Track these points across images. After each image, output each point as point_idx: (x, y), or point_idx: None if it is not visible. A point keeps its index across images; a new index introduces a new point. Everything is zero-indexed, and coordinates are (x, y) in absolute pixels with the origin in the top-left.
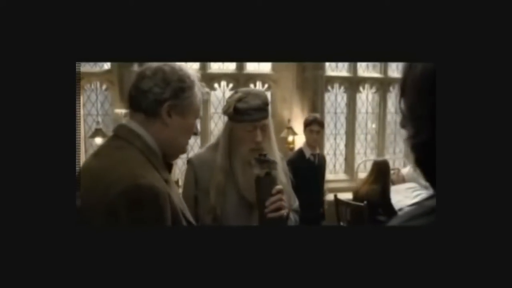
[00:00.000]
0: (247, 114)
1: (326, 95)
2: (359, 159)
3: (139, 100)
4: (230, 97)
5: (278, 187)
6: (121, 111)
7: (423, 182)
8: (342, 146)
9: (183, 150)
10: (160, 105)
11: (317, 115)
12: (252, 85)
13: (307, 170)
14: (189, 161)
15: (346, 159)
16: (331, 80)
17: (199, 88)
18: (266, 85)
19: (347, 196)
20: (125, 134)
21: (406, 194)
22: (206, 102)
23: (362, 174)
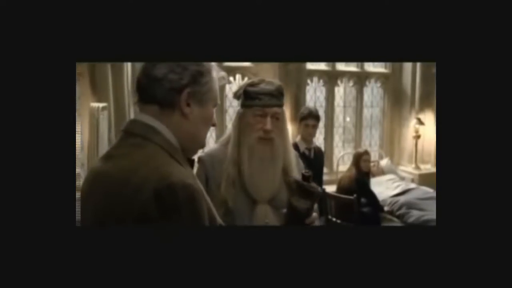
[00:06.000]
0: (257, 99)
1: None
2: (337, 152)
3: (153, 90)
4: (243, 83)
5: (312, 220)
6: (98, 105)
7: (400, 173)
8: (321, 139)
9: (203, 143)
10: (178, 94)
11: (312, 108)
12: (231, 78)
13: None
14: (199, 159)
15: (325, 152)
16: (311, 73)
17: (216, 72)
18: (246, 78)
19: (328, 189)
20: (139, 130)
21: (387, 185)
22: (223, 88)
23: (342, 167)
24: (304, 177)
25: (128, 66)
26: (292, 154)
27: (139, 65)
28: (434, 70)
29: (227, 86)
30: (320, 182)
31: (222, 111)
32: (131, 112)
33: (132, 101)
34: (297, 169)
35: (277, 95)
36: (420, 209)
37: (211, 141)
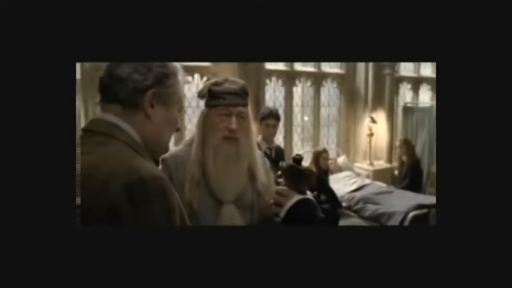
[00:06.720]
0: (222, 98)
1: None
2: (296, 151)
3: (115, 89)
4: (207, 82)
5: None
6: None
7: (356, 170)
8: (280, 138)
9: (166, 146)
10: (142, 94)
11: (272, 108)
12: (190, 78)
13: None
14: (163, 160)
15: (284, 150)
16: (270, 73)
17: (182, 75)
18: (205, 78)
19: None
20: (102, 128)
21: (345, 182)
22: None
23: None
24: (296, 160)
25: (77, 66)
26: (257, 153)
27: (88, 65)
28: (385, 71)
29: (186, 86)
30: None
31: (181, 112)
32: (81, 113)
33: (81, 102)
34: (263, 168)
35: (241, 94)
36: (375, 203)
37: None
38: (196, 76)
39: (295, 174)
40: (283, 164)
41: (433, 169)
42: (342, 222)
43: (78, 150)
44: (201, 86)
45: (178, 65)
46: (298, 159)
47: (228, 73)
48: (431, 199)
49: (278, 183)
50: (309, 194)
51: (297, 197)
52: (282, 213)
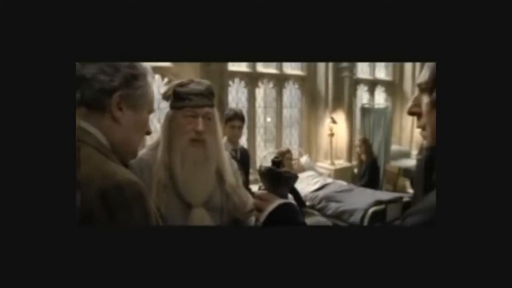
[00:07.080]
0: (188, 99)
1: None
2: (259, 152)
3: (80, 91)
4: (171, 83)
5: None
6: None
7: (318, 169)
8: (244, 140)
9: (135, 151)
10: (109, 96)
11: (237, 110)
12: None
13: None
14: (128, 165)
15: (248, 151)
16: (232, 74)
17: (152, 77)
18: (166, 79)
19: (254, 188)
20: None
21: (308, 182)
22: None
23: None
24: (275, 163)
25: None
26: (225, 154)
27: None
28: (343, 73)
29: None
30: (247, 182)
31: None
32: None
33: None
34: (230, 169)
35: (207, 95)
36: (337, 201)
37: None
38: (157, 77)
39: (274, 177)
40: (261, 167)
41: (389, 166)
42: (306, 221)
43: (77, 148)
44: (162, 87)
45: (148, 66)
46: (277, 162)
47: (190, 74)
48: (388, 195)
49: (259, 188)
50: (291, 198)
51: (277, 201)
52: (262, 218)
